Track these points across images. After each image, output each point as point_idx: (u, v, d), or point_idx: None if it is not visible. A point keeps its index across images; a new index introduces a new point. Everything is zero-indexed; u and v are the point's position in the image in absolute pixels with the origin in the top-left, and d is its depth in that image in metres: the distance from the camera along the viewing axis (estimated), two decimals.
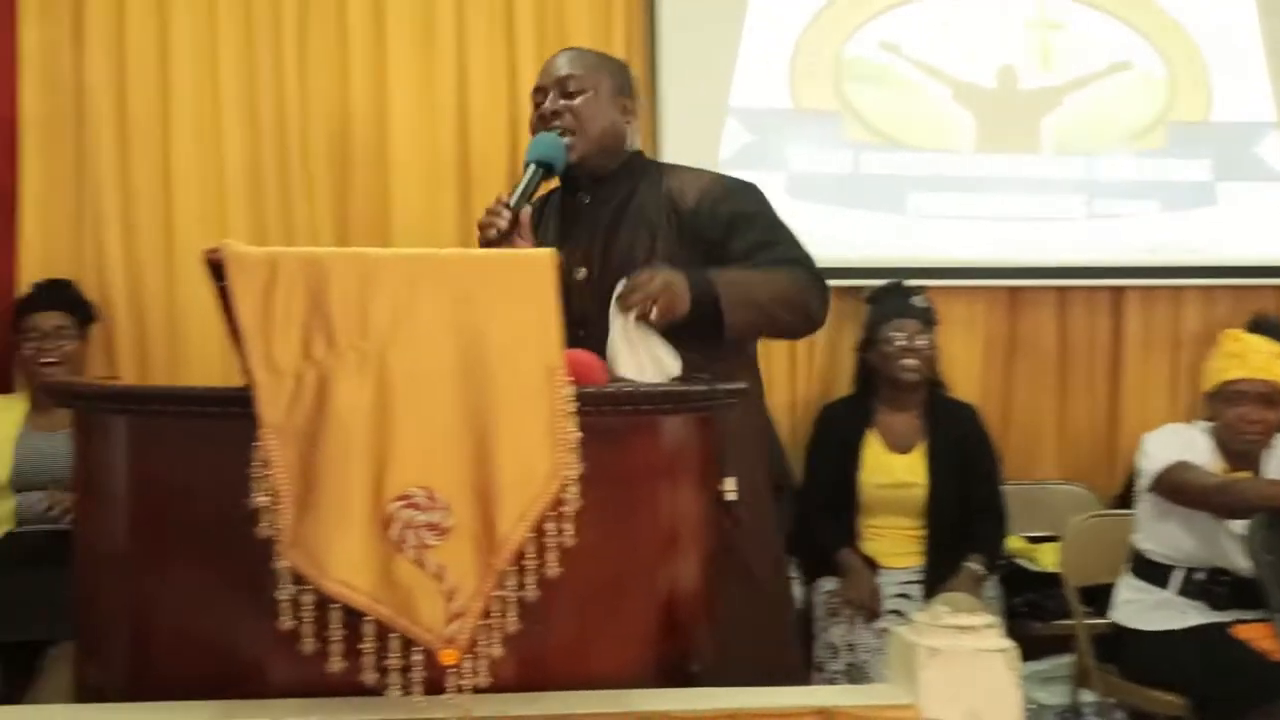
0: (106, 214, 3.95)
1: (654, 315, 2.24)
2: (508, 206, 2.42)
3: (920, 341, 4.07)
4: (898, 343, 4.05)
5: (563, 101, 2.59)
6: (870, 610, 3.79)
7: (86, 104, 3.95)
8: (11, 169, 3.88)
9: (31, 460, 3.57)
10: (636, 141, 2.72)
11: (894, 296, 4.18)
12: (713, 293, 2.39)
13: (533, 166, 2.50)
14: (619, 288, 2.28)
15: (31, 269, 3.87)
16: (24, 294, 3.77)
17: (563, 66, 2.64)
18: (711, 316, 2.39)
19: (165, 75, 4.00)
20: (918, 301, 4.14)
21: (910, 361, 4.05)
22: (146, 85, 3.99)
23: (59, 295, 3.75)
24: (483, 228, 2.42)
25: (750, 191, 2.67)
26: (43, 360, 3.62)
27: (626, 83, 2.72)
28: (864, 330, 4.21)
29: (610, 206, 2.60)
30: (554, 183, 2.66)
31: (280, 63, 4.07)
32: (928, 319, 4.13)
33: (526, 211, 2.47)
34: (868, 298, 4.26)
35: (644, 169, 2.70)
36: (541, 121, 2.59)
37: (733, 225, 2.56)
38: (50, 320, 3.68)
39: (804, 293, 2.56)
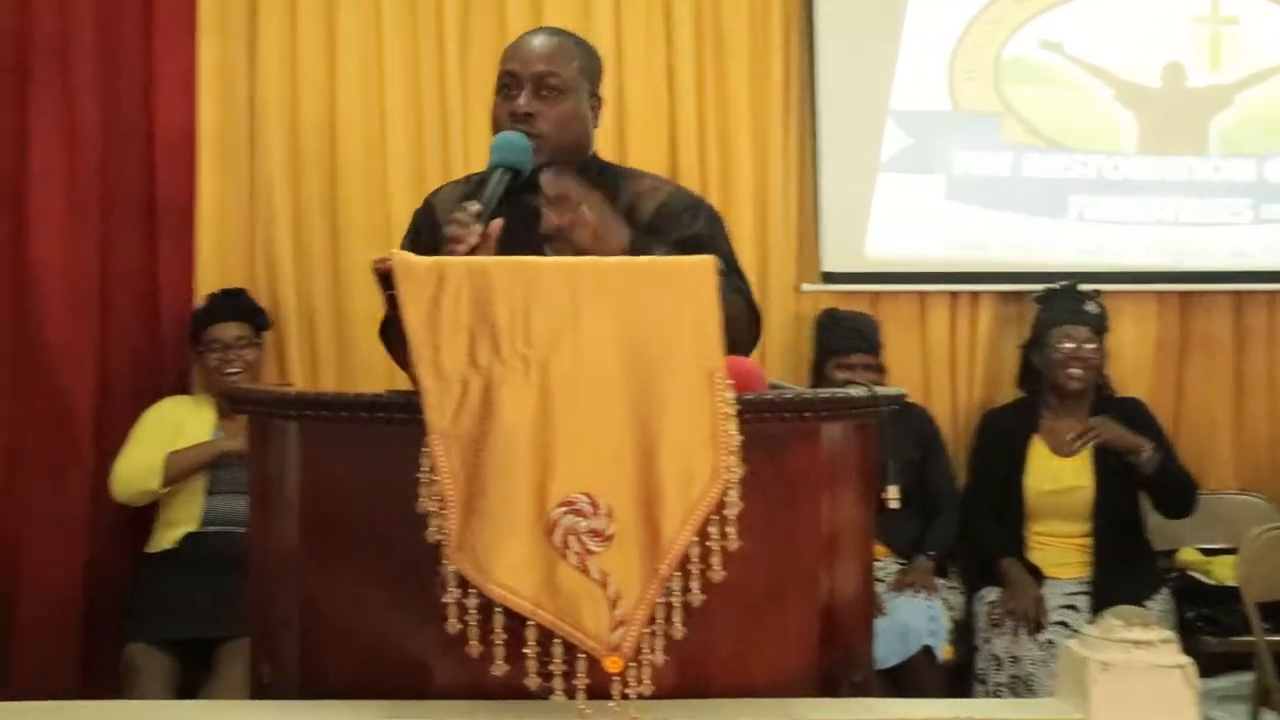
0: (277, 225, 4.06)
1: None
2: (477, 218, 2.10)
3: (1089, 348, 3.98)
4: (1066, 349, 3.96)
5: (537, 102, 2.32)
6: (1034, 621, 3.71)
7: (259, 118, 4.07)
8: (190, 182, 4.02)
9: (221, 467, 3.68)
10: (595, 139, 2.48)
11: (1067, 300, 4.08)
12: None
13: (499, 171, 2.21)
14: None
15: (207, 279, 4.01)
16: (201, 306, 3.89)
17: (542, 57, 2.35)
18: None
19: (333, 90, 4.10)
20: (1091, 307, 4.04)
21: (1076, 370, 3.96)
22: (316, 100, 4.10)
23: (235, 305, 3.88)
24: (451, 242, 2.08)
25: (705, 212, 2.44)
26: (227, 371, 3.75)
27: (599, 76, 2.47)
28: (1032, 330, 4.12)
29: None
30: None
31: (443, 76, 4.15)
32: (1099, 326, 4.03)
33: (496, 224, 2.11)
34: (1038, 298, 4.16)
35: (601, 173, 2.43)
36: (511, 119, 2.31)
37: (683, 247, 2.21)
38: (230, 331, 3.80)
39: (737, 321, 2.18)
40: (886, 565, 3.87)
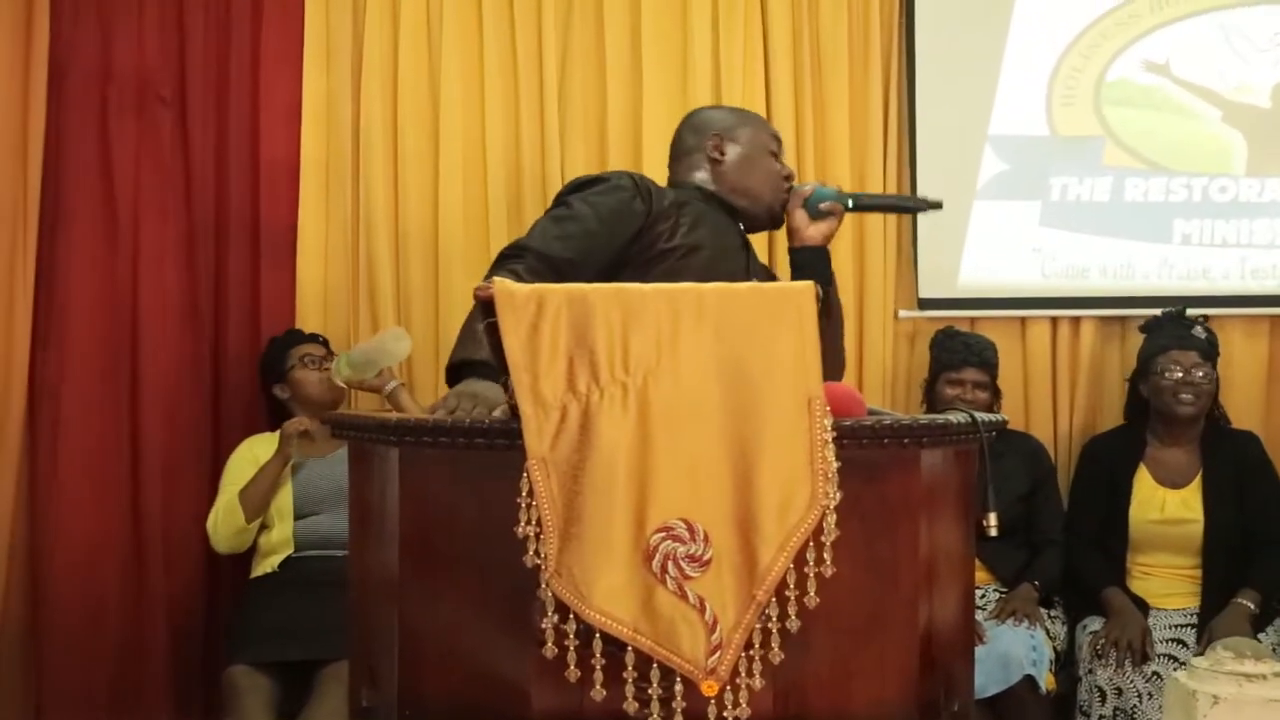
0: (379, 253, 4.11)
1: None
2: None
3: (1199, 374, 3.89)
4: (1175, 375, 3.88)
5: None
6: (1140, 652, 3.63)
7: (362, 148, 4.13)
8: (293, 212, 4.09)
9: (308, 486, 3.74)
10: None
11: (1173, 326, 3.99)
12: (830, 276, 2.84)
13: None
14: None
15: (308, 306, 4.08)
16: (276, 338, 3.95)
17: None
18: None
19: (435, 119, 4.15)
20: (1199, 332, 3.95)
21: (1187, 396, 3.87)
22: (418, 129, 4.15)
23: (314, 336, 3.97)
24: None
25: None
26: (323, 375, 3.80)
27: None
28: (1138, 359, 4.04)
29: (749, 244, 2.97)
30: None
31: (543, 107, 4.18)
32: (1209, 351, 3.93)
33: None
34: (1143, 326, 4.09)
35: None
36: (786, 180, 2.93)
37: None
38: (319, 349, 3.90)
39: (842, 358, 3.02)
40: (988, 593, 3.82)
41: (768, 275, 3.08)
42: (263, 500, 3.69)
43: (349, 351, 3.67)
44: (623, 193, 2.68)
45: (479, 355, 2.24)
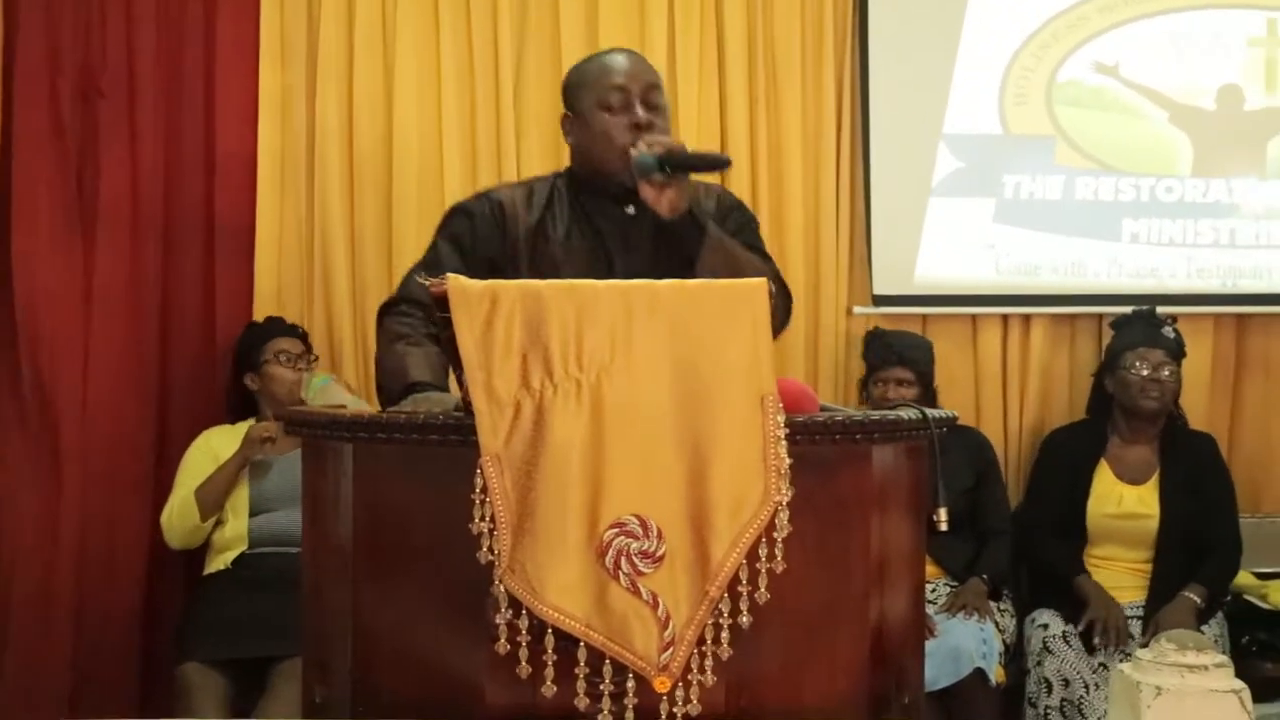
0: (334, 251, 4.10)
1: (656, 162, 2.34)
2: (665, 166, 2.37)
3: (1165, 372, 3.96)
4: (1142, 371, 3.95)
5: (647, 114, 2.50)
6: (1124, 633, 3.70)
7: (318, 145, 4.12)
8: (250, 208, 4.07)
9: (264, 482, 3.73)
10: None
11: (1144, 324, 4.06)
12: (703, 223, 2.43)
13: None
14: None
15: (264, 302, 4.06)
16: (257, 324, 3.93)
17: (648, 71, 2.56)
18: (685, 250, 2.41)
19: (390, 117, 4.15)
20: (1168, 331, 4.03)
21: (1153, 392, 3.95)
22: (374, 126, 4.15)
23: (291, 327, 3.94)
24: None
25: (747, 211, 2.70)
26: (298, 375, 3.79)
27: None
28: (1106, 355, 4.12)
29: (649, 216, 2.46)
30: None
31: (499, 103, 4.18)
32: (1176, 351, 4.02)
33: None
34: (1113, 323, 4.17)
35: None
36: (635, 130, 2.47)
37: (740, 231, 2.58)
38: (296, 346, 3.87)
39: (775, 297, 2.35)
40: (939, 587, 3.86)
41: (676, 265, 2.48)
42: (218, 500, 3.67)
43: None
44: (473, 218, 2.57)
45: (424, 376, 2.27)
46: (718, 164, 2.56)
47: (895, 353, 4.03)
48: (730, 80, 4.28)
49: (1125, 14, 4.48)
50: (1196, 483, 3.94)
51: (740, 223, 2.62)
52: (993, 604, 3.85)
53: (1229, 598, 3.96)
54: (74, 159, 3.92)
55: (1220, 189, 4.49)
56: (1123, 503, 3.92)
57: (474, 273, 2.16)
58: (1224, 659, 1.81)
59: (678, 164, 2.38)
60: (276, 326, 3.91)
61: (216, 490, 3.66)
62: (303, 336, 3.94)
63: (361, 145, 4.14)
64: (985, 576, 3.87)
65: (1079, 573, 3.86)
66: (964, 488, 3.96)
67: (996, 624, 3.78)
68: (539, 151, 4.18)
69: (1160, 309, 4.21)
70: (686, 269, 2.39)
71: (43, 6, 3.90)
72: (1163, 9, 4.49)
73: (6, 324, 3.86)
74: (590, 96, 2.54)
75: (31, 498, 3.85)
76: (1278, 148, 4.50)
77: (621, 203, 2.54)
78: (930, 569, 3.82)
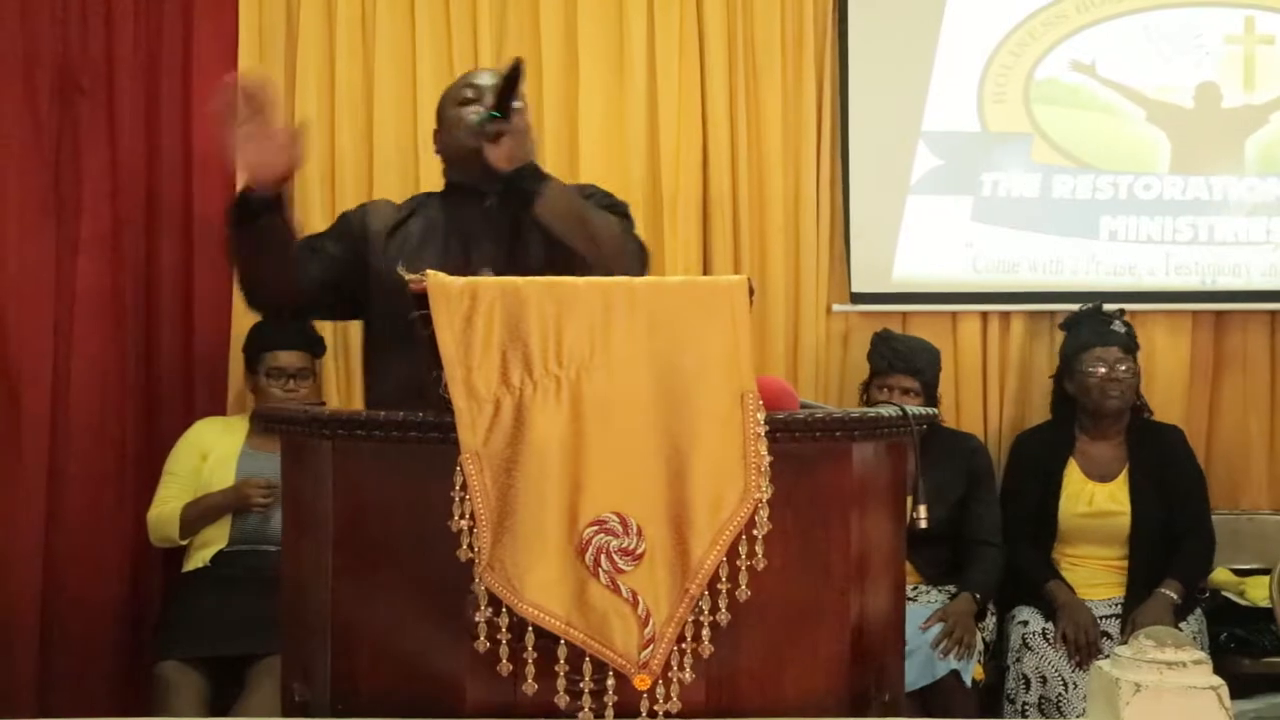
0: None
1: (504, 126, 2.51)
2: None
3: (1122, 369, 3.94)
4: (1100, 371, 3.93)
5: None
6: (1095, 645, 3.67)
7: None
8: (231, 202, 4.04)
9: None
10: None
11: (1093, 322, 4.03)
12: (545, 174, 2.61)
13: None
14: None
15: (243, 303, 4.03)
16: (264, 325, 3.79)
17: (493, 78, 2.69)
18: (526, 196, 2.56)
19: (370, 116, 4.15)
20: (1118, 326, 4.00)
21: (1113, 391, 3.92)
22: (353, 126, 4.15)
23: (298, 331, 3.80)
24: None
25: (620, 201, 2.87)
26: (287, 396, 3.72)
27: None
28: (1060, 358, 4.09)
29: (510, 211, 2.64)
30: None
31: None
32: (1130, 344, 3.99)
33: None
34: (1063, 324, 4.14)
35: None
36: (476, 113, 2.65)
37: (592, 196, 2.78)
38: (294, 361, 3.76)
39: (621, 240, 2.69)
40: (915, 592, 3.82)
41: (534, 256, 2.64)
42: (201, 526, 3.66)
43: None
44: (346, 216, 2.91)
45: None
46: (512, 71, 2.56)
47: (902, 359, 3.94)
48: (710, 79, 4.28)
49: (1103, 11, 4.49)
50: (1165, 475, 3.94)
51: (594, 192, 2.82)
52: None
53: (1206, 593, 3.97)
54: (52, 155, 3.89)
55: (1199, 186, 4.50)
56: (1094, 501, 3.92)
57: (339, 244, 2.73)
58: (1202, 655, 1.81)
59: (497, 101, 2.53)
60: (277, 337, 3.76)
61: (203, 519, 3.65)
62: (308, 344, 3.82)
63: (342, 145, 4.13)
64: (977, 595, 3.78)
65: (1052, 578, 3.85)
66: (957, 497, 3.90)
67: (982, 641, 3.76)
68: None
69: (1137, 306, 4.22)
70: (545, 263, 2.53)
71: (20, 3, 3.88)
72: (1140, 7, 4.49)
73: None
74: (450, 102, 2.80)
75: (2, 494, 3.82)
76: (1256, 145, 4.51)
77: (482, 199, 2.70)
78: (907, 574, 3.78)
